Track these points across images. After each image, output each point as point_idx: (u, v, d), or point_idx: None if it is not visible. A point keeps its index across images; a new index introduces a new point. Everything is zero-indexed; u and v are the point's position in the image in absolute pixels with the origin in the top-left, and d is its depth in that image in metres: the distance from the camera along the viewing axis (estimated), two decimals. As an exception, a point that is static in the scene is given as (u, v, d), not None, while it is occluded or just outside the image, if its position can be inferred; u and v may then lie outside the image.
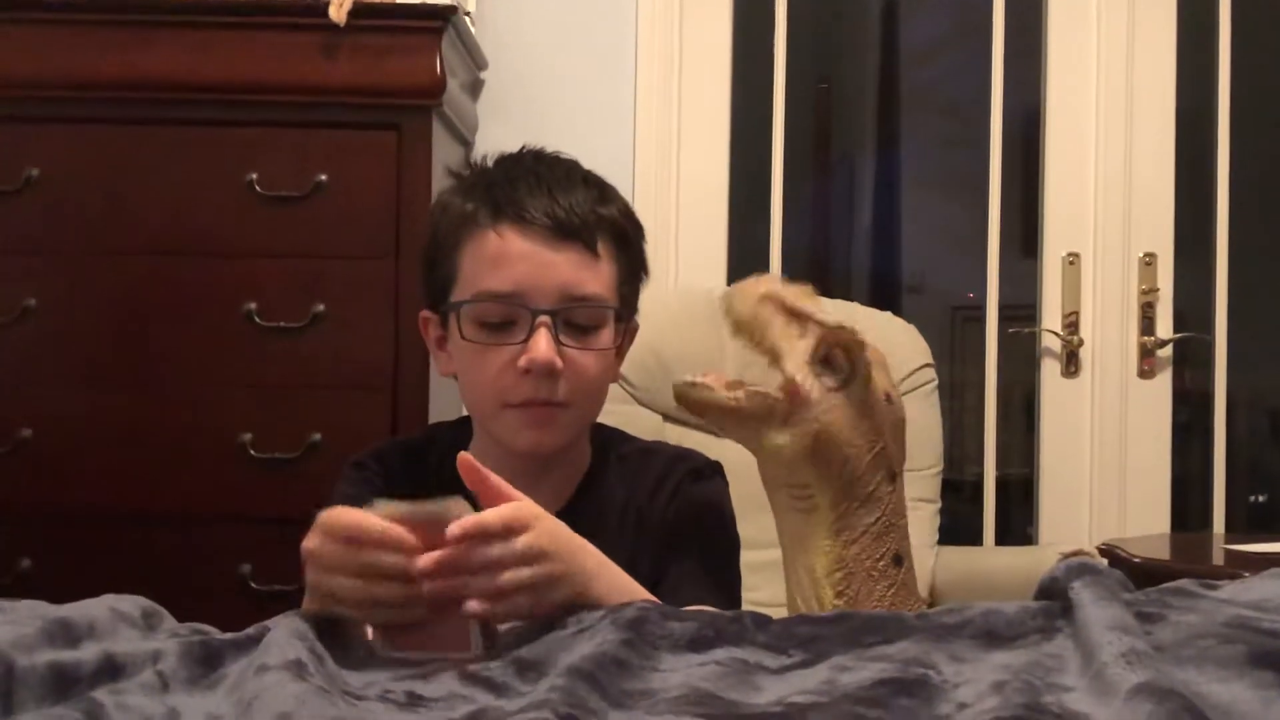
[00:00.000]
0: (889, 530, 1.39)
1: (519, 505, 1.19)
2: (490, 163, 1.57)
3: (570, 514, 1.49)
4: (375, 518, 1.13)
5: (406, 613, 1.14)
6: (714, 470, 1.62)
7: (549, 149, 1.60)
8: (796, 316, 1.39)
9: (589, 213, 1.48)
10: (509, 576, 1.15)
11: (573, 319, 1.46)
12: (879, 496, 1.38)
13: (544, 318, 1.44)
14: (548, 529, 1.20)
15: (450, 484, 1.52)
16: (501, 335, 1.46)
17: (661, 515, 1.55)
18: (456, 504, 1.15)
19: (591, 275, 1.48)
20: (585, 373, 1.47)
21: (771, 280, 1.41)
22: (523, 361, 1.43)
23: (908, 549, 1.42)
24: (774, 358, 1.38)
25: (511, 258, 1.45)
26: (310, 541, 1.15)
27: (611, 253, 1.50)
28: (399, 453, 1.62)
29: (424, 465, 1.59)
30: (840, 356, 1.38)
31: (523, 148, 1.59)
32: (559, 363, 1.44)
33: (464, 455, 1.20)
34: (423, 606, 1.13)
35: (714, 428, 1.43)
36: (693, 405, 1.41)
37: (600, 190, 1.53)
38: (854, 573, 1.37)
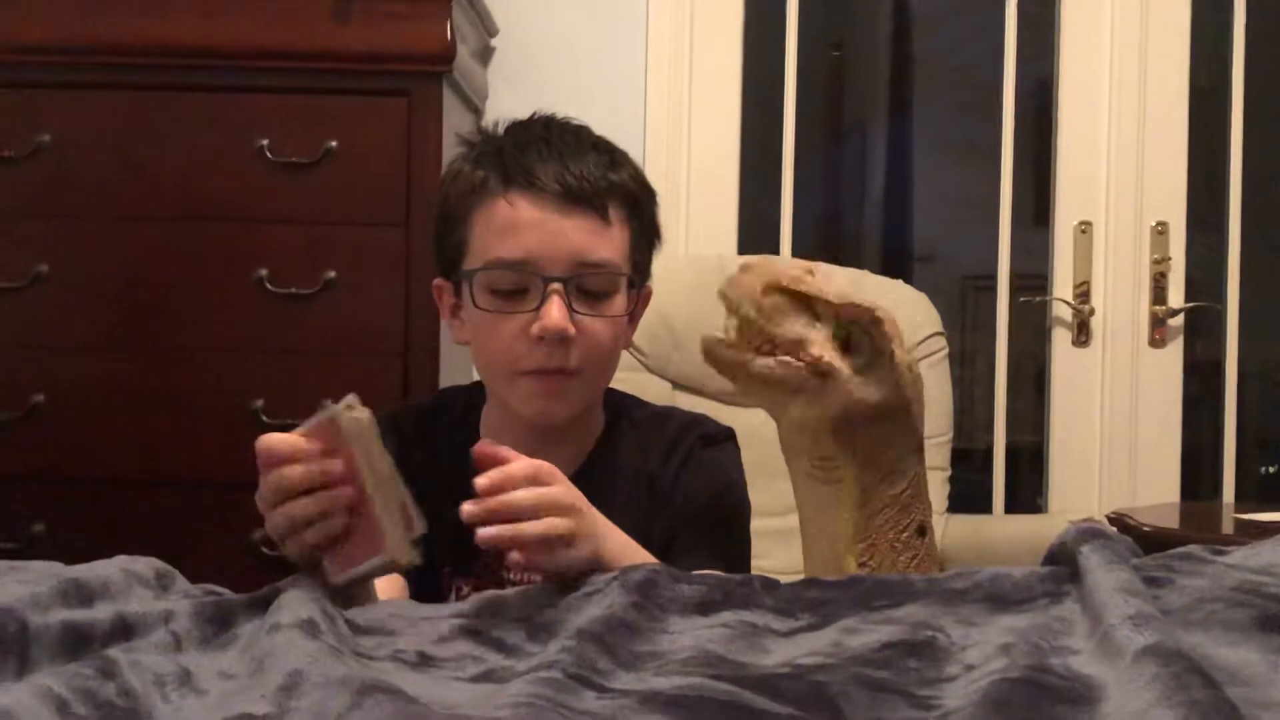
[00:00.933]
0: (914, 501, 1.38)
1: (541, 462, 1.21)
2: (500, 130, 1.56)
3: (582, 481, 1.49)
4: (275, 438, 1.17)
5: (329, 525, 1.15)
6: (726, 436, 1.62)
7: (562, 112, 1.59)
8: (806, 301, 1.37)
9: (600, 179, 1.47)
10: (549, 524, 1.18)
11: (584, 286, 1.46)
12: (904, 469, 1.37)
13: (556, 285, 1.43)
14: (570, 487, 1.22)
15: (463, 449, 1.53)
16: (514, 303, 1.45)
17: (673, 482, 1.55)
18: (349, 403, 1.18)
19: (603, 241, 1.47)
20: (597, 339, 1.47)
21: (767, 264, 1.39)
22: (535, 329, 1.43)
23: (930, 520, 1.42)
24: (794, 348, 1.36)
25: (522, 225, 1.44)
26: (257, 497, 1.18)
27: (623, 218, 1.50)
28: (412, 417, 1.62)
29: (436, 429, 1.60)
30: (860, 337, 1.36)
31: (533, 114, 1.58)
32: (571, 329, 1.43)
33: (480, 444, 1.21)
34: (342, 515, 1.15)
35: (735, 389, 1.41)
36: (721, 364, 1.38)
37: (611, 155, 1.52)
38: (877, 544, 1.36)
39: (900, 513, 1.37)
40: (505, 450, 1.21)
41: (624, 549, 1.28)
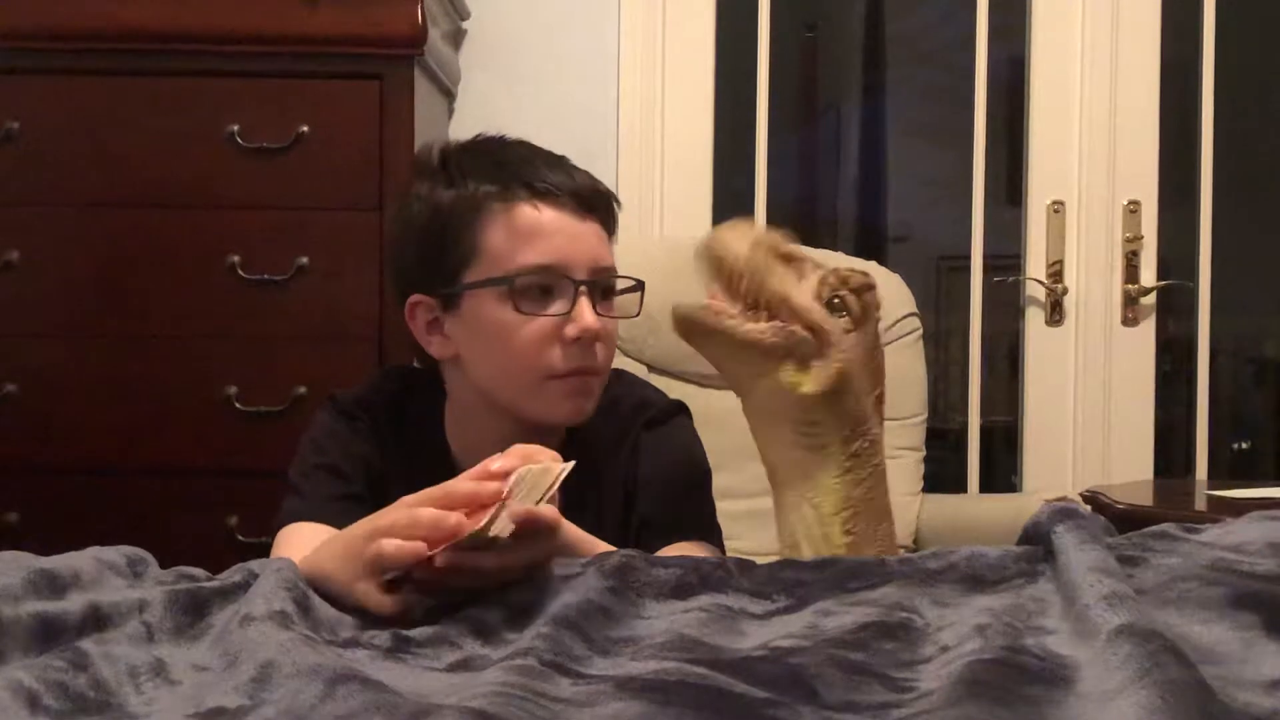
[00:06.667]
0: (884, 472, 1.40)
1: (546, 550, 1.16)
2: (462, 151, 1.57)
3: None
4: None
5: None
6: (671, 412, 1.64)
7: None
8: (790, 261, 1.37)
9: (600, 189, 1.55)
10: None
11: (604, 287, 1.52)
12: (880, 439, 1.39)
13: (584, 287, 1.48)
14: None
15: (427, 449, 1.54)
16: (540, 307, 1.48)
17: (625, 472, 1.58)
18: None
19: (608, 247, 1.54)
20: (612, 339, 1.53)
21: (747, 225, 1.41)
22: (572, 330, 1.47)
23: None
24: (779, 302, 1.35)
25: (549, 230, 1.48)
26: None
27: (611, 226, 1.56)
28: (384, 402, 1.62)
29: (401, 423, 1.59)
30: (850, 298, 1.37)
31: (478, 136, 1.61)
32: (601, 330, 1.48)
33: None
34: None
35: (712, 358, 1.41)
36: (702, 330, 1.37)
37: (587, 171, 1.57)
38: (861, 512, 1.37)
39: (879, 480, 1.38)
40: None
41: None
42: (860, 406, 1.37)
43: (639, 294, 1.59)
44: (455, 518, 1.10)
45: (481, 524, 1.07)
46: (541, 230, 1.48)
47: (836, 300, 1.36)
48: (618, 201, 1.59)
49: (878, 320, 1.39)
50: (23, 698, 0.82)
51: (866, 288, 1.37)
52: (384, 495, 1.41)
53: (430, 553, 1.08)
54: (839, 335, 1.35)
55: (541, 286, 1.48)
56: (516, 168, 1.51)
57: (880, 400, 1.41)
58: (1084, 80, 3.09)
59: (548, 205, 1.48)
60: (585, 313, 1.47)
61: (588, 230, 1.50)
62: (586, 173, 1.56)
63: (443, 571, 1.08)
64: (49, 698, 0.83)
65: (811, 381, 1.34)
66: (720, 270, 1.37)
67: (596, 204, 1.52)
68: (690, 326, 1.38)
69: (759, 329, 1.34)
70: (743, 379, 1.40)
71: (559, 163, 1.54)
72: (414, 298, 1.56)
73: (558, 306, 1.47)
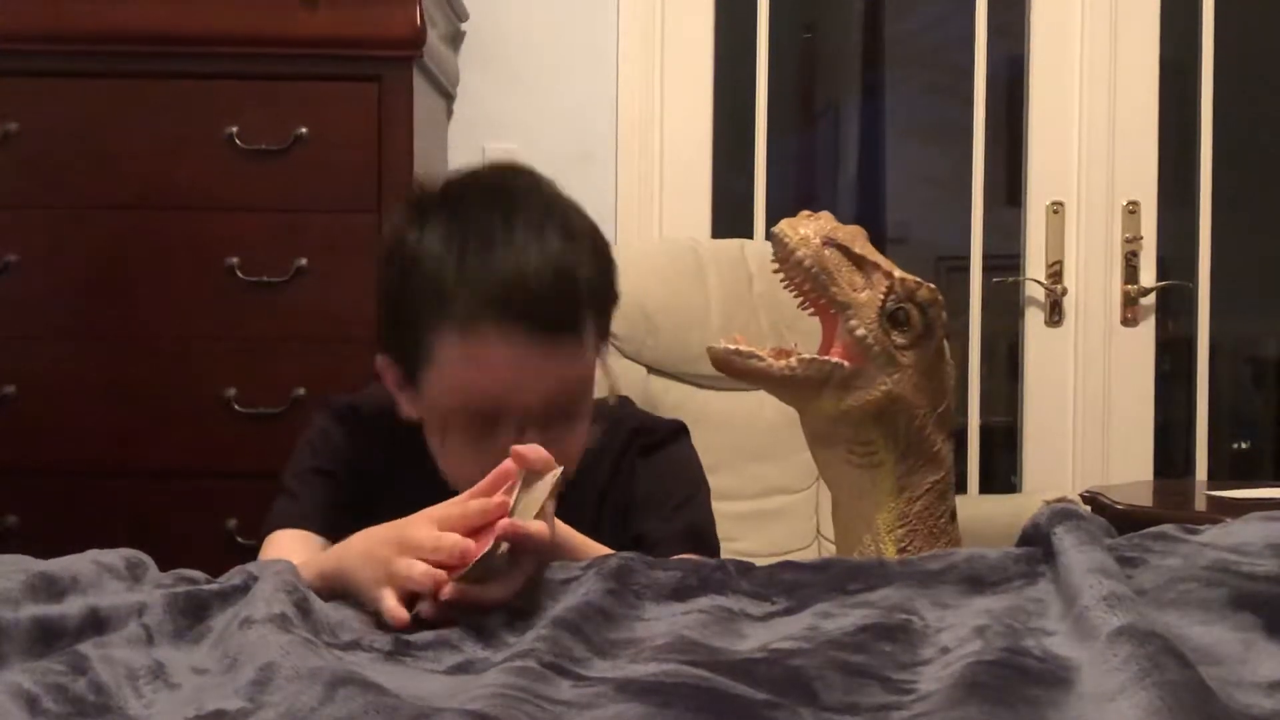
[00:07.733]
0: (949, 489, 1.38)
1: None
2: (451, 193, 1.42)
3: None
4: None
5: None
6: (669, 435, 1.59)
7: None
8: (860, 264, 1.35)
9: (573, 291, 1.36)
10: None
11: (558, 412, 1.38)
12: (942, 456, 1.37)
13: (531, 424, 1.34)
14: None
15: (424, 458, 1.52)
16: (482, 430, 1.35)
17: (623, 495, 1.54)
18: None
19: (577, 363, 1.38)
20: (569, 451, 1.37)
21: (827, 218, 1.36)
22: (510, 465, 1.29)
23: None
24: (839, 310, 1.32)
25: (495, 363, 1.34)
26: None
27: (592, 319, 1.40)
28: (379, 407, 1.60)
29: (398, 430, 1.58)
30: (913, 312, 1.35)
31: (480, 174, 1.47)
32: (549, 458, 1.25)
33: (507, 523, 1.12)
34: None
35: (759, 387, 1.39)
36: (737, 372, 1.34)
37: (572, 238, 1.38)
38: (917, 529, 1.35)
39: (938, 499, 1.36)
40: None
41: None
42: (915, 425, 1.35)
43: (605, 403, 1.49)
44: (466, 543, 1.10)
45: (486, 550, 1.07)
46: (488, 362, 1.33)
47: (900, 313, 1.34)
48: (606, 277, 1.42)
49: (942, 337, 1.37)
50: (22, 701, 0.82)
51: (933, 303, 1.35)
52: (379, 500, 1.40)
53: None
54: (888, 356, 1.33)
55: (485, 415, 1.35)
56: (473, 271, 1.33)
57: (944, 417, 1.38)
58: (1083, 80, 3.10)
59: (499, 334, 1.32)
60: (527, 456, 1.21)
61: (548, 362, 1.34)
62: (566, 255, 1.35)
63: (448, 606, 1.08)
64: (48, 701, 0.83)
65: (854, 405, 1.33)
66: (786, 262, 1.32)
67: (567, 324, 1.35)
68: (724, 368, 1.36)
69: (787, 366, 1.32)
70: (792, 404, 1.39)
71: (528, 254, 1.34)
72: (382, 359, 1.45)
73: (497, 433, 1.33)
